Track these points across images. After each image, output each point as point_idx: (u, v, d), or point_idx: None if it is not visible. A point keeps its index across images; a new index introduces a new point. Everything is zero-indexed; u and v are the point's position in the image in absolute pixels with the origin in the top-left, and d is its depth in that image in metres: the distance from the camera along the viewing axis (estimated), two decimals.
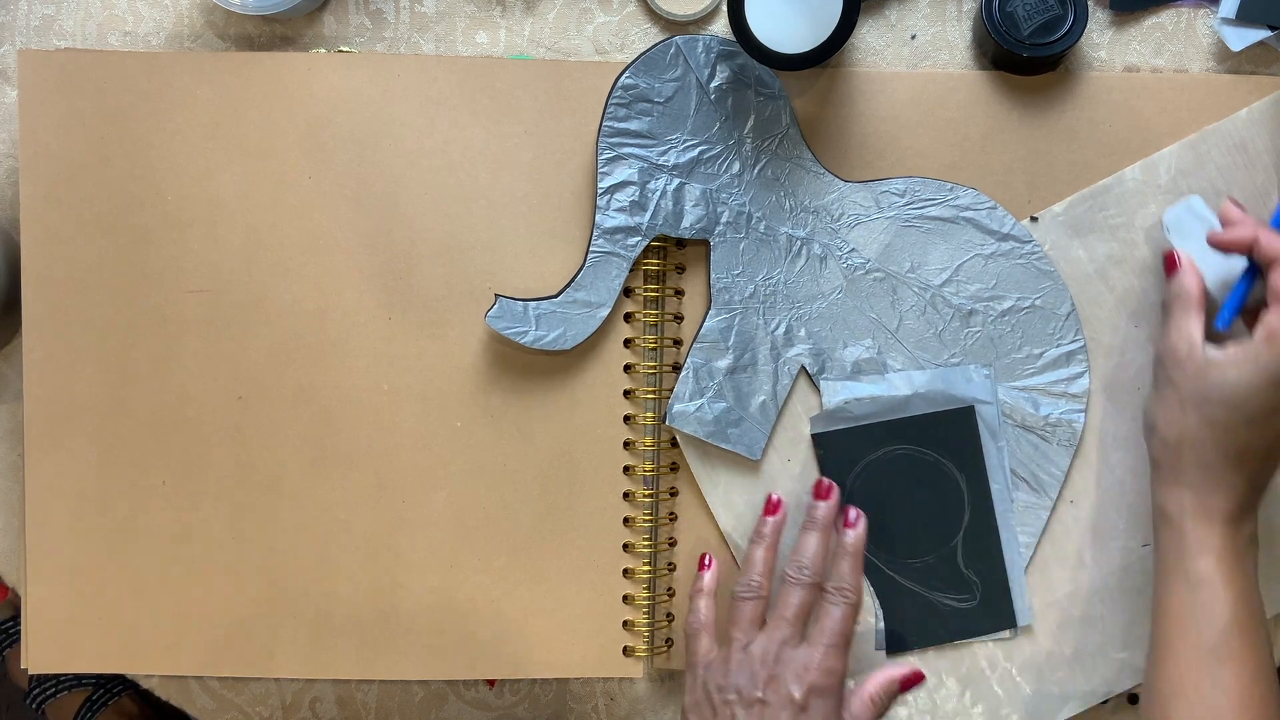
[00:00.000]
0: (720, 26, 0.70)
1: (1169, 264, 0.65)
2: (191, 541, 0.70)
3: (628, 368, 0.70)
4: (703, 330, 0.68)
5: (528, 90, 0.69)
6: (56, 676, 1.11)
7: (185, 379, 0.70)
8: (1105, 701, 0.70)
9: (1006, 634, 0.69)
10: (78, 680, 1.11)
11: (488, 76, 0.69)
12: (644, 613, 0.70)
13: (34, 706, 1.13)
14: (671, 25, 0.71)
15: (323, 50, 0.70)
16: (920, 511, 0.68)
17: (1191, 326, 0.62)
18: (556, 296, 0.68)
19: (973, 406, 0.67)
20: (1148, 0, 0.70)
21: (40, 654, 0.71)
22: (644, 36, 0.71)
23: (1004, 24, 0.66)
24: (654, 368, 0.69)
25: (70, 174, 0.69)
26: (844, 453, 0.68)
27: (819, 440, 0.69)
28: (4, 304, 0.70)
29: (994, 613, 0.69)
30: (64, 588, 0.70)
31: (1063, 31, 0.67)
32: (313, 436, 0.70)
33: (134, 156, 0.69)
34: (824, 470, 0.69)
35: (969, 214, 0.68)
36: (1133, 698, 0.71)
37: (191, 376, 0.70)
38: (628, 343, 0.70)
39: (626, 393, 0.70)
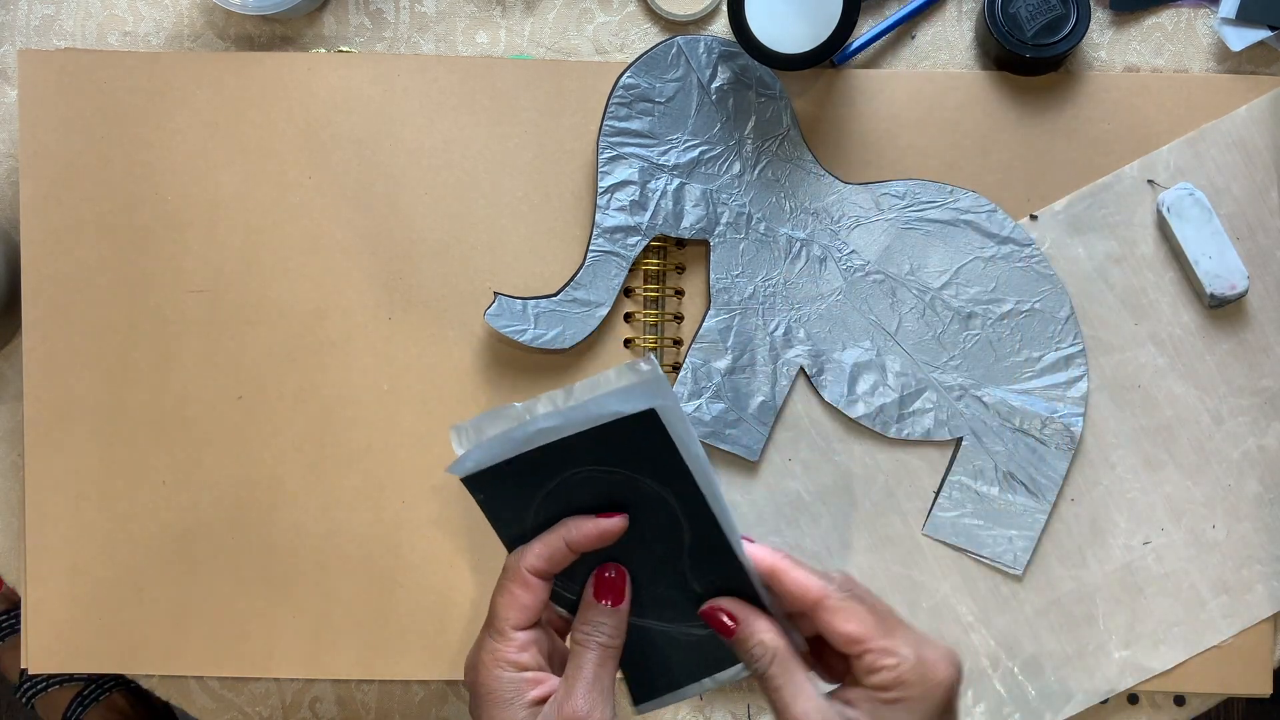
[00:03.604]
0: (720, 26, 0.70)
1: (722, 628, 0.51)
2: (191, 541, 0.70)
3: None
4: (701, 330, 0.68)
5: (528, 90, 0.69)
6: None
7: (185, 379, 0.70)
8: (1105, 701, 0.70)
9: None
10: (69, 675, 1.11)
11: (488, 76, 0.69)
12: None
13: (24, 701, 1.13)
14: (672, 25, 0.71)
15: (323, 50, 0.70)
16: (629, 540, 0.52)
17: (811, 688, 0.49)
18: (556, 295, 0.68)
19: (653, 410, 0.50)
20: (1148, 0, 0.70)
21: (40, 654, 0.71)
22: (644, 36, 0.71)
23: (1007, 25, 0.66)
24: None
25: (70, 174, 0.69)
26: (509, 491, 0.52)
27: (473, 484, 0.52)
28: (4, 304, 0.69)
29: None
30: (64, 588, 0.70)
31: (1065, 31, 0.67)
32: (313, 436, 0.70)
33: (134, 156, 0.69)
34: (495, 516, 0.53)
35: (969, 217, 0.68)
36: (1133, 697, 0.71)
37: (191, 376, 0.70)
38: (628, 343, 0.70)
39: None
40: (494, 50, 0.71)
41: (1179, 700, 0.71)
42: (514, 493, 0.52)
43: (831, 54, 0.63)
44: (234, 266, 0.69)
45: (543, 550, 0.51)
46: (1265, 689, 0.70)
